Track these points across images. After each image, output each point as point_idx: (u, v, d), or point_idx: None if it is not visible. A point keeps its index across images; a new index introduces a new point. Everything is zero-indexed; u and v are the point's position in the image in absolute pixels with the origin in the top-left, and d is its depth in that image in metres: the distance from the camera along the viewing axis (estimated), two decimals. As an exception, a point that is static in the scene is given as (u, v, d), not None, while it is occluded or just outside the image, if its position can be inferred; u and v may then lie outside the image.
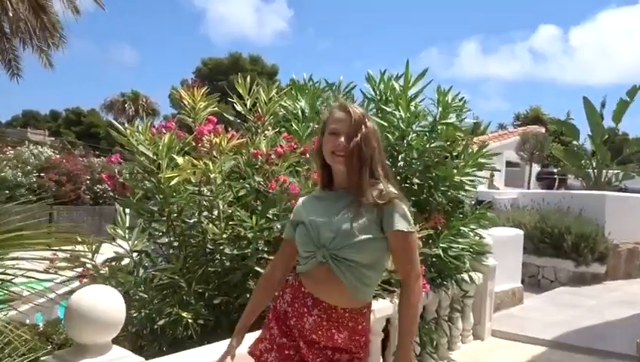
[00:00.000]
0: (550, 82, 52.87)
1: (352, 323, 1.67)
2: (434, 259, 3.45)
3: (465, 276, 3.93)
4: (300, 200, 1.85)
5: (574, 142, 12.85)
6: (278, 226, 2.74)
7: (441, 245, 3.37)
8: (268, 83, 3.55)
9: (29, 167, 16.68)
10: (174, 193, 2.74)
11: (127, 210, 2.73)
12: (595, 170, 11.46)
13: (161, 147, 2.64)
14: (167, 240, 2.80)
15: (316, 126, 3.76)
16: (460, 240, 3.54)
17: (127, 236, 2.51)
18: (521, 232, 6.37)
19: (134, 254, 2.61)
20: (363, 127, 1.66)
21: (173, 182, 2.55)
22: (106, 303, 1.69)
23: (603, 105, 11.74)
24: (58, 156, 19.26)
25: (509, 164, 16.26)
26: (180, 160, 2.61)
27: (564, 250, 7.62)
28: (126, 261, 2.64)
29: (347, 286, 1.63)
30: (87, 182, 18.08)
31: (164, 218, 2.77)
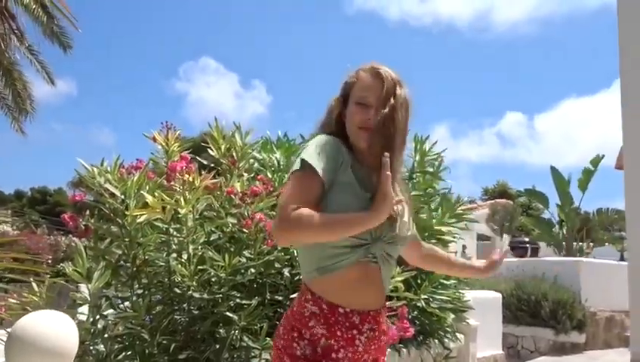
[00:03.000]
0: (517, 164, 55.35)
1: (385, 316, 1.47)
2: (416, 313, 3.29)
3: (447, 334, 3.75)
4: (334, 141, 1.42)
5: (546, 213, 13.13)
6: (252, 270, 2.57)
7: (422, 296, 3.22)
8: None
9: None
10: (141, 235, 2.57)
11: (89, 252, 2.52)
12: (567, 239, 11.61)
13: (130, 185, 2.50)
14: (128, 292, 2.59)
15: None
16: (441, 291, 3.40)
17: (85, 276, 2.29)
18: (499, 295, 6.24)
19: (94, 301, 2.38)
20: (393, 97, 1.41)
21: (141, 219, 2.38)
22: (57, 330, 1.47)
23: (569, 181, 12.14)
24: (17, 232, 18.45)
25: (480, 237, 16.36)
26: (149, 198, 2.46)
27: (542, 317, 7.47)
28: (84, 309, 2.40)
29: (385, 290, 1.45)
30: (49, 261, 17.24)
31: (129, 263, 2.57)
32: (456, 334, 3.85)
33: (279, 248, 2.72)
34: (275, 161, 3.75)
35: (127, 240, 2.51)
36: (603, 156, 11.83)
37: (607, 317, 8.15)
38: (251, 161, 3.65)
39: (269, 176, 3.53)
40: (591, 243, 11.89)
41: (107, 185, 2.51)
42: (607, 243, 12.05)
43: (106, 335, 2.36)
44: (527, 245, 11.94)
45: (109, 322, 2.41)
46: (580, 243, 11.85)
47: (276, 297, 2.72)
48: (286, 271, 2.74)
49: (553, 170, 11.80)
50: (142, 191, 2.45)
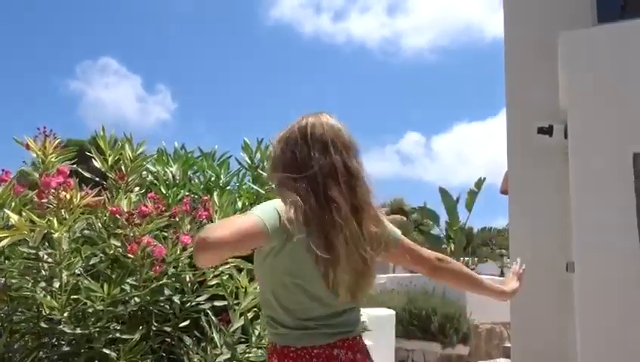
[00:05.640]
0: (415, 181, 58.67)
1: None
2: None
3: (343, 357, 3.69)
4: None
5: (434, 229, 13.85)
6: (137, 299, 2.31)
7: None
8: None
9: None
10: (5, 259, 2.21)
11: None
12: (454, 255, 12.33)
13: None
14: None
15: (186, 193, 3.46)
16: (340, 316, 3.33)
17: None
18: (393, 312, 6.37)
19: None
20: None
21: (3, 243, 2.04)
22: None
23: (458, 200, 12.94)
24: None
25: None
26: (14, 216, 2.12)
27: (431, 331, 7.80)
28: None
29: None
30: None
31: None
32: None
33: (169, 273, 2.48)
34: (170, 175, 3.48)
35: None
36: (484, 179, 12.81)
37: (487, 329, 8.71)
38: (144, 173, 3.36)
39: (163, 191, 3.26)
40: (475, 259, 12.73)
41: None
42: (488, 260, 12.97)
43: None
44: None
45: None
46: (466, 259, 12.64)
47: (164, 328, 2.47)
48: (176, 299, 2.51)
49: (442, 190, 12.56)
50: (5, 210, 2.11)
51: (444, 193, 12.53)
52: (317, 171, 1.40)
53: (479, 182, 12.70)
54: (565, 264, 3.83)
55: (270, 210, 1.33)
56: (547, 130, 4.22)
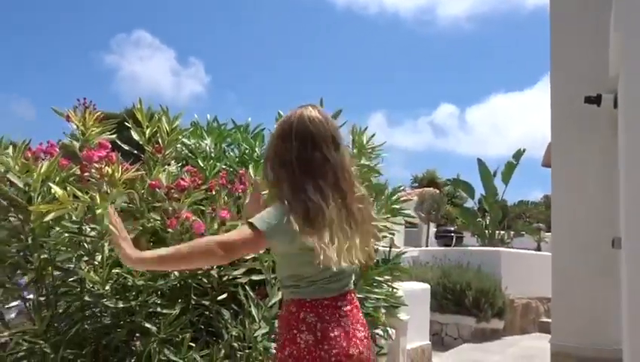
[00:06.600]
0: (448, 153, 57.84)
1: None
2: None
3: (380, 331, 3.68)
4: None
5: (469, 203, 13.63)
6: (176, 274, 2.33)
7: (358, 295, 3.10)
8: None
9: None
10: (48, 233, 2.24)
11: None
12: (489, 229, 12.13)
13: (36, 176, 2.16)
14: (32, 296, 2.26)
15: (223, 166, 3.45)
16: (376, 290, 3.31)
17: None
18: (428, 286, 6.34)
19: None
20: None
21: (48, 218, 2.05)
22: None
23: (494, 174, 12.62)
24: None
25: (407, 223, 16.78)
26: (59, 191, 2.13)
27: (465, 306, 7.72)
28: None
29: None
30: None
31: (32, 266, 2.24)
32: (388, 330, 3.80)
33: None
34: (206, 148, 3.47)
35: (30, 237, 2.17)
36: (524, 150, 12.41)
37: (523, 304, 8.58)
38: (178, 146, 3.35)
39: (200, 163, 3.26)
40: (511, 233, 12.50)
41: (9, 175, 2.14)
42: (524, 234, 12.71)
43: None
44: (452, 234, 12.36)
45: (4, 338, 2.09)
46: (502, 233, 12.42)
47: (203, 301, 2.49)
48: (214, 272, 2.52)
49: (480, 162, 12.24)
50: (50, 183, 2.12)
51: (481, 165, 12.20)
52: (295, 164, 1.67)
53: (518, 154, 12.31)
54: (611, 239, 3.68)
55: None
56: (595, 100, 4.01)
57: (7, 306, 2.26)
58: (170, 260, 1.61)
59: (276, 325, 1.95)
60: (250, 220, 1.58)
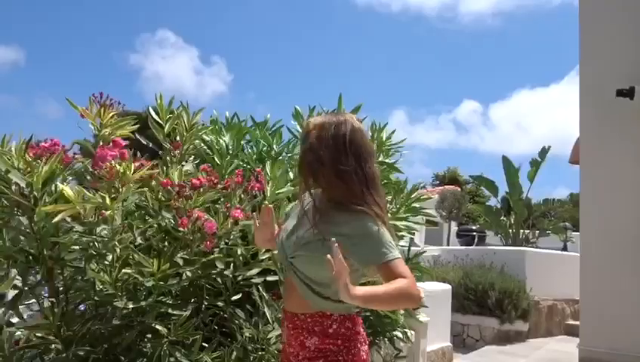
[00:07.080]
0: (470, 151, 57.07)
1: (318, 327, 1.61)
2: (367, 313, 3.07)
3: (399, 333, 3.57)
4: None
5: (491, 201, 13.35)
6: (188, 274, 2.27)
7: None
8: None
9: None
10: (57, 232, 2.19)
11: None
12: (513, 227, 11.85)
13: (35, 178, 2.09)
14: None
15: (241, 163, 3.38)
16: (396, 292, 3.20)
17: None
18: (449, 287, 6.19)
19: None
20: (302, 144, 1.67)
21: (56, 219, 2.00)
22: None
23: (518, 170, 12.33)
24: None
25: (427, 222, 16.54)
26: (67, 190, 2.08)
27: (488, 307, 7.53)
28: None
29: (302, 296, 1.64)
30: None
31: (40, 263, 2.19)
32: (407, 333, 3.69)
33: (220, 247, 2.42)
34: (224, 145, 3.41)
35: (37, 237, 2.13)
36: (549, 148, 12.08)
37: (549, 305, 8.33)
38: (196, 142, 3.30)
39: (217, 160, 3.19)
40: (536, 233, 12.19)
41: (11, 175, 2.08)
42: (550, 233, 12.38)
43: (11, 349, 2.01)
44: (474, 233, 12.11)
45: (16, 333, 2.05)
46: (526, 232, 12.12)
47: (216, 302, 2.42)
48: (228, 272, 2.45)
49: (505, 159, 11.95)
50: (57, 183, 2.07)
51: (506, 162, 11.92)
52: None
53: (543, 152, 11.99)
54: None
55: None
56: (627, 93, 3.83)
57: (20, 304, 2.22)
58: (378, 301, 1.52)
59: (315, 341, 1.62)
60: (396, 255, 1.55)
